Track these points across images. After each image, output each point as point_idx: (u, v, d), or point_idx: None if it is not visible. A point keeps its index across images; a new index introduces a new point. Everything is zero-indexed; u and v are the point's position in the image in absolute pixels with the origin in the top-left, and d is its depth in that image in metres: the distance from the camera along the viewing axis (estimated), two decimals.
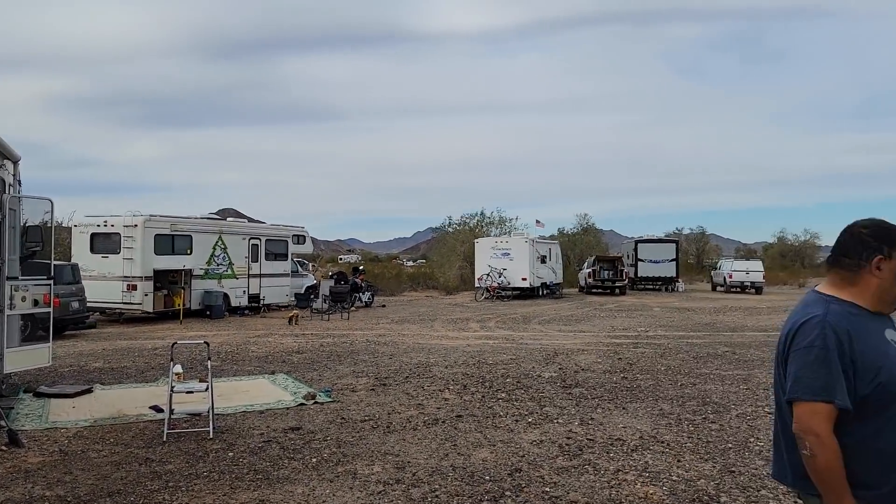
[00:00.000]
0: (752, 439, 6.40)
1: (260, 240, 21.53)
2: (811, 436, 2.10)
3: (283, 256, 22.51)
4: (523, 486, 5.17)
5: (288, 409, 7.69)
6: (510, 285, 27.98)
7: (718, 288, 36.10)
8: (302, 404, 7.86)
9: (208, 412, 6.68)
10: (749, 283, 34.03)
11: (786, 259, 59.69)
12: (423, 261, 66.00)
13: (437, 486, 5.14)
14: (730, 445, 6.21)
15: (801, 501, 2.40)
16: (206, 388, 6.74)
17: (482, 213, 39.64)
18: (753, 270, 34.55)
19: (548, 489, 5.10)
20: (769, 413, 7.34)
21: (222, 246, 20.04)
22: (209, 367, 6.99)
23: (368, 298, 24.37)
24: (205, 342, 7.53)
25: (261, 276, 21.33)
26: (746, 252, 68.04)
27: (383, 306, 24.53)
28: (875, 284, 2.24)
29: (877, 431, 2.13)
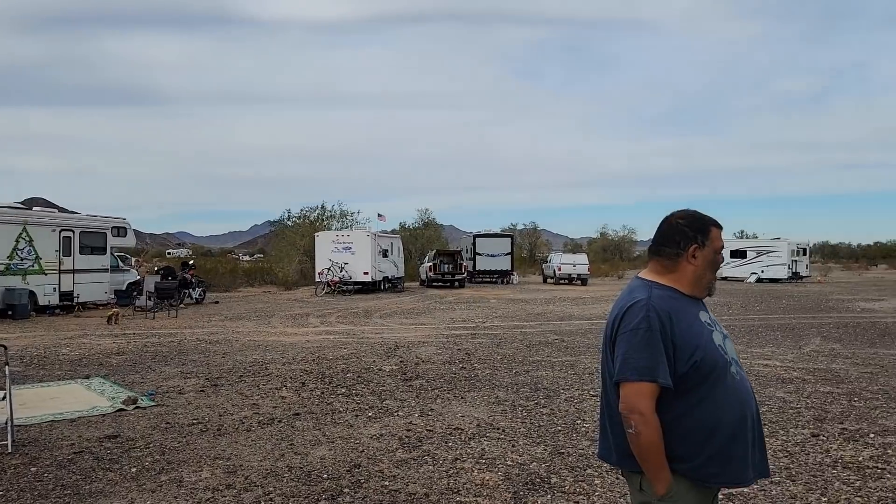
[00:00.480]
0: (578, 421, 6.76)
1: (73, 232, 19.56)
2: (636, 414, 2.20)
3: (101, 250, 20.62)
4: (362, 481, 5.07)
5: (104, 415, 7.00)
6: (352, 279, 27.73)
7: (549, 280, 38.19)
8: (121, 410, 7.20)
9: (6, 424, 5.90)
10: (576, 275, 36.33)
11: (607, 252, 64.58)
12: (261, 256, 63.72)
13: (271, 489, 4.90)
14: (559, 428, 6.52)
15: (624, 479, 2.53)
16: (3, 397, 5.95)
17: (323, 207, 39.00)
18: (579, 263, 36.96)
19: (387, 483, 5.04)
20: (594, 396, 7.82)
21: (27, 238, 17.96)
22: (7, 372, 6.18)
23: (199, 295, 23.02)
24: (1, 345, 6.65)
25: (74, 271, 19.39)
26: (573, 246, 72.89)
27: (216, 303, 23.29)
28: (691, 271, 2.40)
29: (691, 408, 2.25)
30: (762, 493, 4.78)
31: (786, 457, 5.60)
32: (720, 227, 2.46)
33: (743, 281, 37.70)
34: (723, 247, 2.47)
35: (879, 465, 5.36)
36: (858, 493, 4.76)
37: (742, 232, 69.94)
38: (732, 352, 2.41)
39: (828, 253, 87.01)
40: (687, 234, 2.40)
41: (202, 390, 8.30)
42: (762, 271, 37.83)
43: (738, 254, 39.24)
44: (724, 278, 38.83)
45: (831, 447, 5.85)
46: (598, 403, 2.73)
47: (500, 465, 5.43)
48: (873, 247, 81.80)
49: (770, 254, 37.93)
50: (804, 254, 40.23)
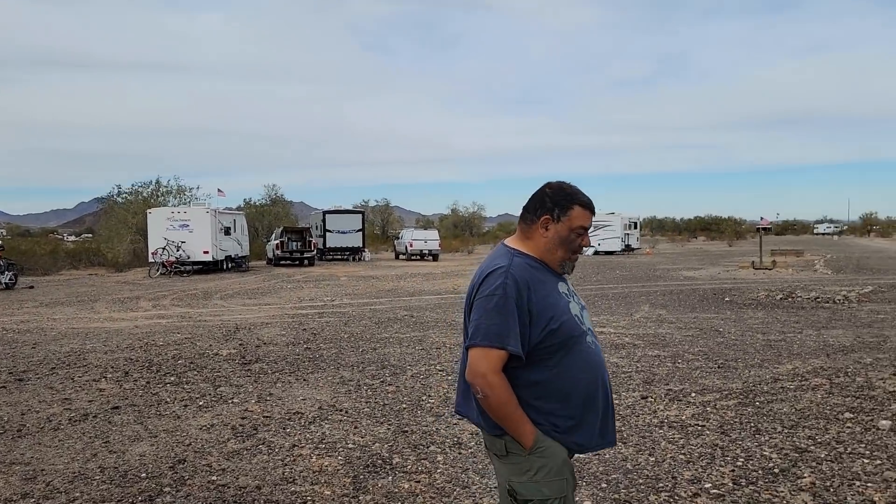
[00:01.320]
0: (424, 397, 6.66)
1: None
2: (479, 378, 2.19)
3: None
4: (186, 478, 4.61)
5: None
6: (190, 259, 26.06)
7: (401, 256, 38.26)
8: None
9: None
10: (427, 251, 36.68)
11: (458, 229, 65.93)
12: (89, 235, 58.51)
13: (76, 495, 4.32)
14: (404, 406, 6.37)
15: (488, 450, 2.43)
16: None
17: (157, 182, 36.23)
18: (431, 239, 37.33)
19: (215, 477, 4.62)
20: (440, 370, 7.76)
21: None
22: None
23: (9, 279, 20.58)
24: None
25: None
26: (425, 222, 73.67)
27: (31, 288, 20.94)
28: (542, 242, 2.36)
29: (546, 375, 2.26)
30: (596, 457, 4.90)
31: (618, 420, 5.82)
32: (588, 209, 2.37)
33: (582, 254, 39.91)
34: (584, 227, 2.37)
35: (700, 422, 5.71)
36: (682, 451, 5.02)
37: None
38: (588, 322, 2.41)
39: (655, 226, 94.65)
40: (546, 203, 2.36)
41: (3, 387, 7.29)
42: (599, 244, 40.21)
43: None
44: None
45: (658, 408, 6.17)
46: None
47: (341, 449, 5.17)
48: (694, 220, 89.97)
49: (605, 228, 40.37)
50: (635, 227, 43.29)
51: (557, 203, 2.35)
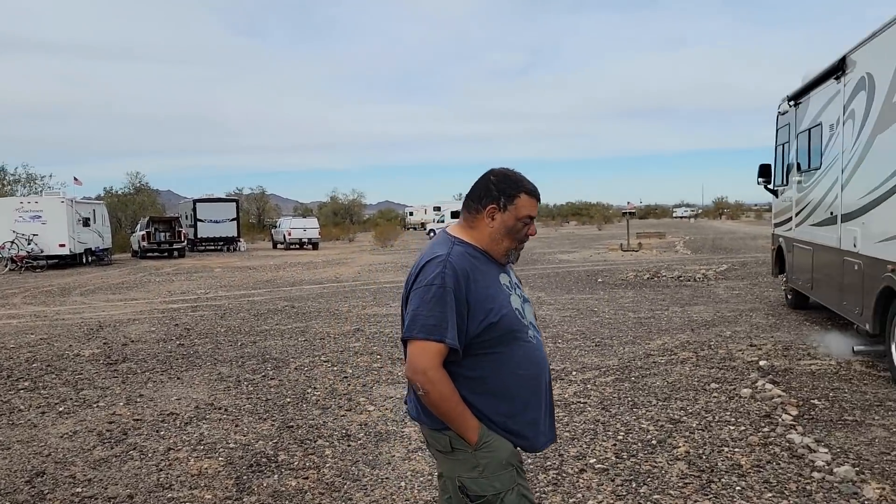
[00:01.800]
0: (309, 390, 6.45)
1: None
2: (419, 374, 2.09)
3: None
4: (46, 492, 4.19)
5: None
6: (44, 253, 23.94)
7: (279, 245, 37.14)
8: None
9: None
10: (307, 240, 35.83)
11: (337, 216, 64.99)
12: None
13: None
14: (288, 400, 6.14)
15: (429, 447, 2.34)
16: None
17: (3, 170, 33.00)
18: (310, 228, 36.48)
19: (80, 489, 4.23)
20: (325, 362, 7.56)
21: None
22: None
23: None
24: None
25: None
26: (304, 210, 72.01)
27: None
28: (487, 232, 2.26)
29: (486, 370, 2.18)
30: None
31: None
32: (534, 196, 2.28)
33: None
34: (531, 216, 2.27)
35: (581, 399, 5.91)
36: (567, 428, 5.16)
37: (461, 194, 75.25)
38: (531, 315, 2.33)
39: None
40: (491, 192, 2.26)
41: None
42: None
43: (458, 214, 42.06)
44: None
45: None
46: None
47: (222, 450, 4.90)
48: (566, 206, 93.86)
49: None
50: None
51: (503, 191, 2.24)
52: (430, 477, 4.32)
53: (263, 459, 4.69)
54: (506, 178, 2.26)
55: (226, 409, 5.89)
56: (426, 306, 2.10)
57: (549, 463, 4.49)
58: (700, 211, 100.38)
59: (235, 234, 35.86)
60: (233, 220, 35.80)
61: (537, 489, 4.08)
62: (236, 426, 5.43)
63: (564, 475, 4.30)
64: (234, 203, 37.77)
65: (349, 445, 4.94)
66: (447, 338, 2.07)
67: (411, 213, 71.75)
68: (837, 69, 7.61)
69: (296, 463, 4.62)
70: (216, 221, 35.11)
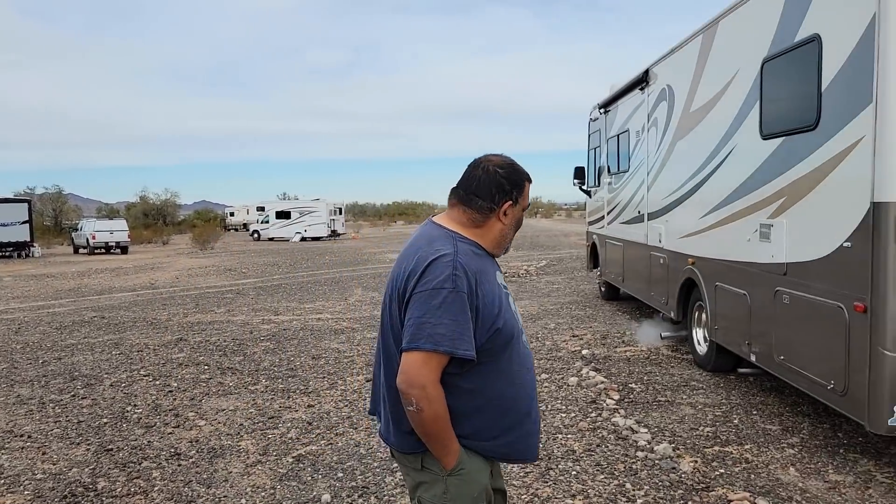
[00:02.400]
0: (129, 407, 5.89)
1: None
2: (416, 389, 1.86)
3: None
4: None
5: None
6: None
7: (82, 250, 33.74)
8: None
9: None
10: (115, 244, 32.90)
11: (149, 218, 60.36)
12: None
13: None
14: (105, 421, 5.56)
15: (395, 459, 2.14)
16: None
17: None
18: (118, 230, 33.51)
19: None
20: (145, 376, 6.96)
21: None
22: None
23: None
24: None
25: None
26: (110, 212, 66.00)
27: None
28: (498, 229, 2.10)
29: (488, 381, 1.99)
30: (329, 446, 4.80)
31: (347, 406, 5.80)
32: (531, 181, 2.17)
33: (289, 240, 39.49)
34: (529, 205, 2.20)
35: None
36: None
37: (285, 194, 73.33)
38: (520, 318, 2.17)
39: (358, 212, 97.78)
40: (504, 187, 2.07)
41: None
42: (305, 230, 40.11)
43: (284, 215, 40.88)
44: (272, 239, 40.12)
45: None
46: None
47: (27, 482, 4.31)
48: (393, 205, 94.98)
49: (311, 214, 40.43)
50: (340, 213, 44.13)
51: (515, 184, 2.09)
52: (272, 491, 4.12)
53: (80, 489, 4.20)
54: (512, 168, 2.11)
55: (29, 436, 5.20)
56: (434, 314, 1.86)
57: (395, 465, 4.47)
58: None
59: (28, 239, 32.02)
60: (24, 222, 31.93)
61: None
62: (43, 454, 4.81)
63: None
64: (26, 204, 33.72)
65: (179, 465, 4.57)
66: (459, 349, 1.87)
67: (232, 214, 68.65)
68: (642, 81, 8.35)
69: (119, 489, 4.19)
70: (4, 225, 31.14)
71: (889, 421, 3.66)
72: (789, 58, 4.71)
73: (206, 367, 7.39)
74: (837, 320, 4.04)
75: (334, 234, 41.69)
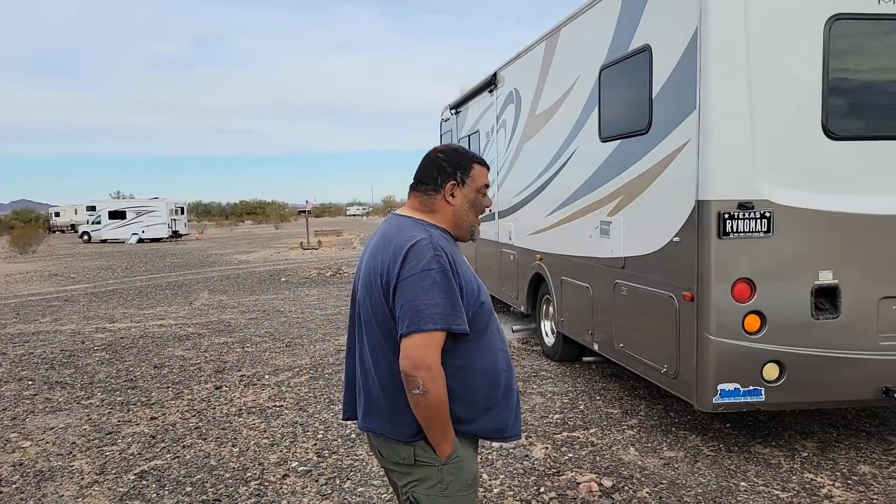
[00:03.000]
0: None
1: None
2: (423, 370, 1.89)
3: None
4: None
5: None
6: None
7: None
8: None
9: None
10: None
11: None
12: None
13: None
14: None
15: (380, 456, 2.14)
16: None
17: None
18: None
19: None
20: None
21: None
22: None
23: None
24: None
25: None
26: None
27: None
28: (451, 211, 2.17)
29: (474, 357, 2.05)
30: (176, 459, 4.51)
31: (194, 415, 5.48)
32: (485, 165, 2.24)
33: (125, 242, 36.76)
34: (487, 185, 2.24)
35: (278, 403, 5.76)
36: (265, 435, 4.98)
37: (119, 192, 68.08)
38: None
39: (202, 211, 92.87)
40: (445, 169, 2.16)
41: None
42: (143, 231, 37.54)
43: (118, 215, 38.00)
44: (104, 241, 37.17)
45: (234, 396, 6.02)
46: (346, 367, 2.24)
47: None
48: (240, 204, 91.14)
49: (150, 214, 37.90)
50: (182, 213, 41.71)
51: (457, 165, 2.16)
52: None
53: None
54: (454, 152, 2.20)
55: None
56: (427, 294, 1.91)
57: (249, 474, 4.29)
58: (371, 209, 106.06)
59: None
60: None
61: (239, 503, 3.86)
62: None
63: (267, 484, 4.14)
64: None
65: (1, 493, 4.09)
66: (454, 325, 1.93)
67: (58, 214, 62.66)
68: (490, 83, 8.63)
69: None
70: None
71: (714, 399, 4.03)
72: (624, 66, 5.07)
73: (30, 382, 6.69)
74: (669, 309, 4.40)
75: (176, 234, 39.34)
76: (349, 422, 2.28)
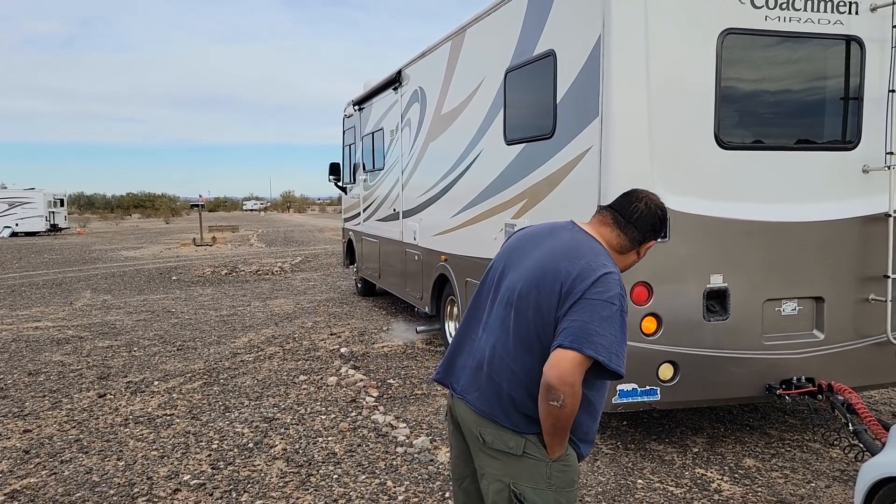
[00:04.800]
0: None
1: None
2: (567, 386, 1.93)
3: None
4: None
5: None
6: None
7: None
8: None
9: None
10: None
11: None
12: None
13: None
14: None
15: (478, 439, 2.15)
16: None
17: None
18: None
19: None
20: None
21: None
22: None
23: None
24: None
25: None
26: None
27: None
28: (632, 261, 2.24)
29: (601, 394, 2.18)
30: (52, 476, 4.15)
31: (75, 427, 5.08)
32: None
33: None
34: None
35: (168, 411, 5.44)
36: (154, 447, 4.68)
37: (3, 185, 62.69)
38: None
39: (84, 203, 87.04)
40: (657, 228, 2.21)
41: None
42: (17, 224, 34.78)
43: None
44: None
45: (120, 405, 5.63)
46: (483, 346, 2.19)
47: None
48: (127, 197, 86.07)
49: (24, 205, 35.15)
50: (62, 205, 38.96)
51: (664, 228, 2.24)
52: None
53: None
54: (666, 212, 2.24)
55: None
56: (601, 324, 1.95)
57: (136, 490, 4.01)
58: (269, 204, 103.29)
59: None
60: None
61: None
62: None
63: (156, 499, 3.88)
64: None
65: None
66: (613, 363, 1.94)
67: None
68: (395, 81, 8.53)
69: None
70: None
71: (613, 400, 4.14)
72: (529, 70, 5.11)
73: None
74: None
75: (55, 228, 36.71)
76: (439, 385, 2.45)
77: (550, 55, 4.74)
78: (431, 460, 4.37)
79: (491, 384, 2.12)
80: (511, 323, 2.10)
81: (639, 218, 2.18)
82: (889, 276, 4.38)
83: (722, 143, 4.22)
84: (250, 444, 4.69)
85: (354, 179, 11.05)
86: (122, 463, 4.42)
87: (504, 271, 2.22)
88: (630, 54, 4.07)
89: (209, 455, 4.52)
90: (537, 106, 5.00)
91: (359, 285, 11.49)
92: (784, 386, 4.28)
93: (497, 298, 2.19)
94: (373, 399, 5.64)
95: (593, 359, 1.92)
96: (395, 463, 4.35)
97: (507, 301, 2.14)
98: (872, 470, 2.77)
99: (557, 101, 4.65)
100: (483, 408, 2.12)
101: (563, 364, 1.92)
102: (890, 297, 4.39)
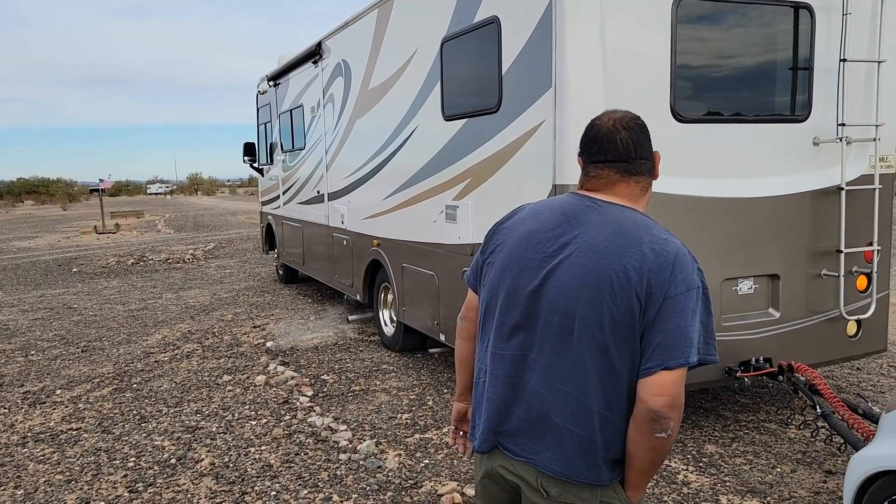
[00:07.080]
0: None
1: None
2: (677, 411, 1.56)
3: None
4: None
5: None
6: None
7: None
8: None
9: None
10: None
11: None
12: None
13: None
14: None
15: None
16: None
17: None
18: None
19: None
20: None
21: None
22: None
23: None
24: None
25: None
26: None
27: None
28: (648, 196, 1.80)
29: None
30: None
31: None
32: None
33: None
34: None
35: (74, 425, 4.82)
36: (58, 469, 4.10)
37: None
38: None
39: None
40: (649, 135, 1.78)
41: None
42: None
43: None
44: None
45: (16, 420, 4.96)
46: (538, 390, 1.67)
47: None
48: (18, 182, 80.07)
49: None
50: None
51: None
52: None
53: None
54: (639, 118, 1.79)
55: None
56: (693, 319, 1.56)
57: None
58: (175, 187, 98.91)
59: None
60: None
61: None
62: None
63: None
64: None
65: None
66: (708, 354, 1.58)
67: None
68: (315, 54, 7.95)
69: None
70: None
71: None
72: (469, 39, 4.74)
73: None
74: None
75: None
76: (483, 454, 1.77)
77: (494, 22, 4.38)
78: (379, 467, 4.00)
79: (571, 437, 1.63)
80: (575, 355, 1.61)
81: (635, 146, 1.73)
82: (841, 251, 4.32)
83: (678, 117, 4.01)
84: (172, 460, 4.17)
85: (272, 160, 10.39)
86: (21, 491, 3.83)
87: (526, 287, 1.69)
88: (585, 21, 3.77)
89: (125, 476, 3.98)
90: (480, 78, 4.64)
91: (280, 272, 10.88)
92: (743, 368, 4.15)
93: (538, 327, 1.67)
94: (307, 399, 5.20)
95: (693, 365, 1.57)
96: (339, 473, 3.95)
97: (560, 328, 1.63)
98: (865, 463, 2.61)
99: (503, 73, 4.30)
100: (561, 470, 1.64)
101: (672, 387, 1.54)
102: (843, 272, 4.33)
